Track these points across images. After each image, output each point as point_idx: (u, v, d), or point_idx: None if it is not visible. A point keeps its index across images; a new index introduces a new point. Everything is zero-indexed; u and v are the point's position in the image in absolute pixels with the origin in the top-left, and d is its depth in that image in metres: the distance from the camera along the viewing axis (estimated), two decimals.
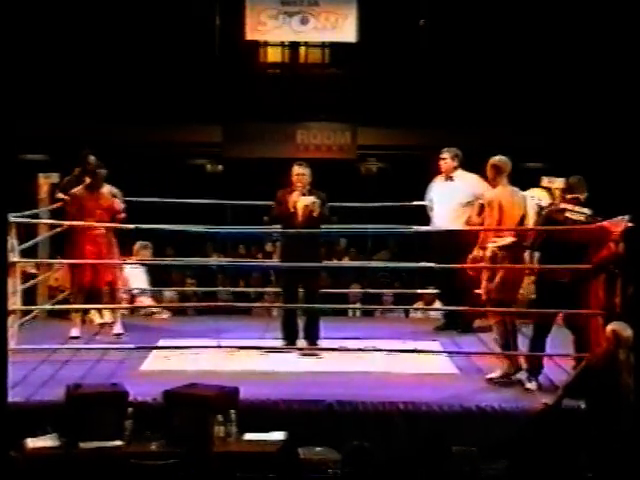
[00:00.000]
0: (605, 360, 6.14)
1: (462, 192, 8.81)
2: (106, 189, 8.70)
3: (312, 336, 8.26)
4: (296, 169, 8.24)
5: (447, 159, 8.93)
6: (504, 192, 7.52)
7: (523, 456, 6.06)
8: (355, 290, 11.24)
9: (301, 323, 8.31)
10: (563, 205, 7.42)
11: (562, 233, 7.28)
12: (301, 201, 8.10)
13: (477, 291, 7.64)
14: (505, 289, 7.42)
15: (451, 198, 8.85)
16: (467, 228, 8.40)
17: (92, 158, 9.20)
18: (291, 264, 8.13)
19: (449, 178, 8.94)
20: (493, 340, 7.71)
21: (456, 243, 8.39)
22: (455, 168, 8.93)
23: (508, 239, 7.44)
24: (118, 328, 8.70)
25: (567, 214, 7.33)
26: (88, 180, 8.67)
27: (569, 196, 7.44)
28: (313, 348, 8.19)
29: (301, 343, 8.27)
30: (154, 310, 10.04)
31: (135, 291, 9.86)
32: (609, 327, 6.23)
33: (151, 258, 10.17)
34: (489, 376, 7.47)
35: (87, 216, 8.54)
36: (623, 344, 6.10)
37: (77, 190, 8.68)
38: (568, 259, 7.19)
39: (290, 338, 8.27)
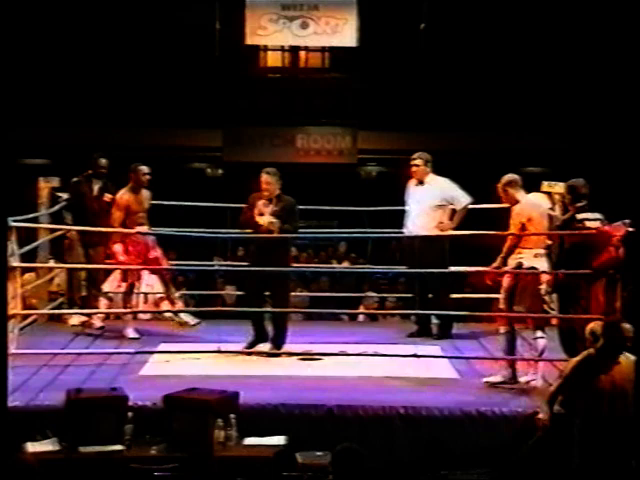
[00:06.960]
0: (587, 361, 6.10)
1: (433, 196, 8.89)
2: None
3: (277, 341, 8.27)
4: (262, 177, 8.27)
5: (420, 165, 8.96)
6: (532, 205, 7.55)
7: (522, 461, 6.05)
8: (354, 294, 11.23)
9: (270, 328, 8.33)
10: (580, 216, 7.43)
11: (586, 244, 7.32)
12: (262, 219, 8.16)
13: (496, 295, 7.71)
14: (524, 298, 7.43)
15: (423, 202, 8.91)
16: (443, 233, 8.62)
17: (103, 161, 9.23)
18: (260, 268, 8.14)
19: (420, 183, 8.98)
20: (496, 346, 7.72)
21: (437, 247, 8.59)
22: (427, 173, 8.97)
23: (539, 262, 7.46)
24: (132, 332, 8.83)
25: (586, 223, 7.35)
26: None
27: (579, 204, 7.46)
28: (310, 353, 8.20)
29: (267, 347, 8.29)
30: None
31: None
32: (588, 327, 6.20)
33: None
34: (488, 379, 7.48)
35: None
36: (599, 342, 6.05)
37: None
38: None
39: (258, 340, 8.29)
